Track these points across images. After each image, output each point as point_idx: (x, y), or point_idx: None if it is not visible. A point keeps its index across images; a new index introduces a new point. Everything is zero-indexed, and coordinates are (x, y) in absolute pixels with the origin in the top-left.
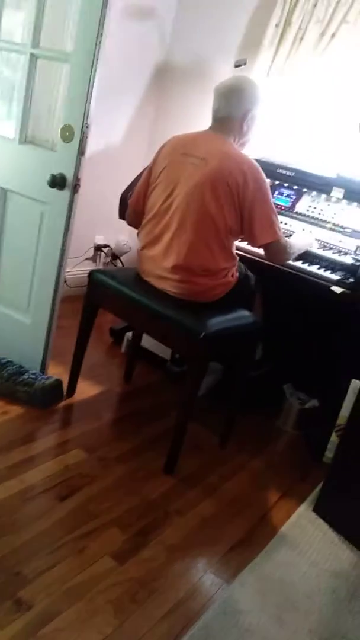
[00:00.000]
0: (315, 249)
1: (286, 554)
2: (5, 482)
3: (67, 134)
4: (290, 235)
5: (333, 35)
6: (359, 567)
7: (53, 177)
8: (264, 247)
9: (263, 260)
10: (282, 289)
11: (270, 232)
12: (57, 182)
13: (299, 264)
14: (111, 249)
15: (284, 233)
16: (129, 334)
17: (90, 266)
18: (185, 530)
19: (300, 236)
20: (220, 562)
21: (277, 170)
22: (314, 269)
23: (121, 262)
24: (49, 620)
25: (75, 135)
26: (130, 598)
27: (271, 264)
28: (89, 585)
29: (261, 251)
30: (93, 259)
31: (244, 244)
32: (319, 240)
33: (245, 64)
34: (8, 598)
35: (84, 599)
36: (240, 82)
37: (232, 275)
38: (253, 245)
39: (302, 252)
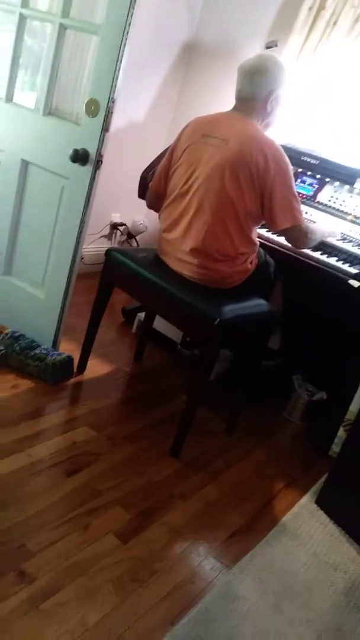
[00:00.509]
0: (334, 241)
1: (286, 544)
2: (13, 456)
3: (92, 108)
4: (314, 222)
5: None
6: (357, 562)
7: (75, 151)
8: (284, 232)
9: (283, 250)
10: (299, 279)
11: (291, 216)
12: (80, 157)
13: (317, 254)
14: (127, 227)
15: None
16: (141, 315)
17: (105, 244)
18: (188, 513)
19: (324, 224)
20: (221, 547)
21: (301, 158)
22: (332, 260)
23: (136, 241)
24: (51, 594)
25: (101, 110)
26: (131, 577)
27: (290, 253)
28: (92, 562)
29: (282, 240)
30: (108, 236)
31: (265, 231)
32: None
33: (276, 45)
34: (12, 570)
35: (85, 575)
36: (264, 60)
37: (251, 263)
38: (273, 230)
39: (324, 239)
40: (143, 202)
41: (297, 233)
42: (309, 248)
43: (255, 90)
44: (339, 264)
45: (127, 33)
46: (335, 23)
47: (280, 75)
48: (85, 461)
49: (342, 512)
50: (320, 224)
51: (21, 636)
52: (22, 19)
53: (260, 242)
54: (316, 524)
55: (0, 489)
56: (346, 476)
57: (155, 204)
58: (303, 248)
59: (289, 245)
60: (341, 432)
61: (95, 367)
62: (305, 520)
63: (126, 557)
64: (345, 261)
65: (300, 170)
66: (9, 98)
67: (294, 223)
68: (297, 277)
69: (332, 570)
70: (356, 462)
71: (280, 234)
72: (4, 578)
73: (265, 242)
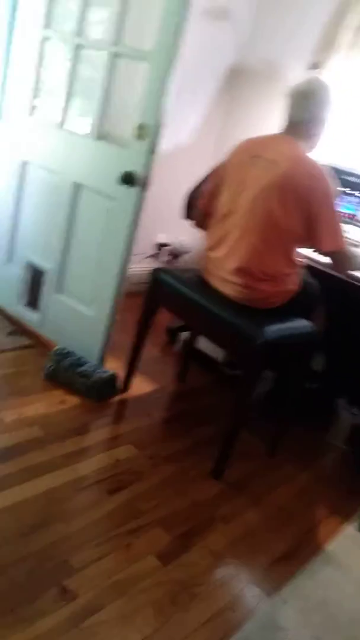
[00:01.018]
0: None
1: (330, 574)
2: (59, 470)
3: (141, 132)
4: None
5: None
6: None
7: (124, 174)
8: (329, 254)
9: (328, 270)
10: (344, 299)
11: (335, 241)
12: (128, 179)
13: None
14: (172, 247)
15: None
16: (185, 334)
17: (150, 264)
18: (230, 537)
19: None
20: (263, 574)
21: (342, 177)
22: None
23: (181, 261)
24: (92, 612)
25: (149, 134)
26: (171, 600)
27: (334, 273)
28: (132, 582)
29: (326, 259)
30: (154, 256)
31: (310, 251)
32: None
33: (318, 67)
34: (55, 585)
35: (126, 595)
36: (313, 85)
37: (294, 283)
38: (319, 253)
39: None
40: (188, 223)
41: (341, 257)
42: (352, 271)
43: (304, 114)
44: None
45: (175, 59)
46: None
47: (328, 99)
48: (128, 480)
49: None
50: None
51: None
52: (78, 48)
53: (304, 262)
54: None
55: (47, 503)
56: None
57: (202, 223)
58: (346, 272)
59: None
60: None
61: (139, 385)
62: (349, 549)
63: (166, 579)
64: None
65: (342, 189)
66: (64, 124)
67: (338, 247)
68: (341, 297)
69: None
70: None
71: (325, 255)
72: (47, 594)
73: (310, 263)
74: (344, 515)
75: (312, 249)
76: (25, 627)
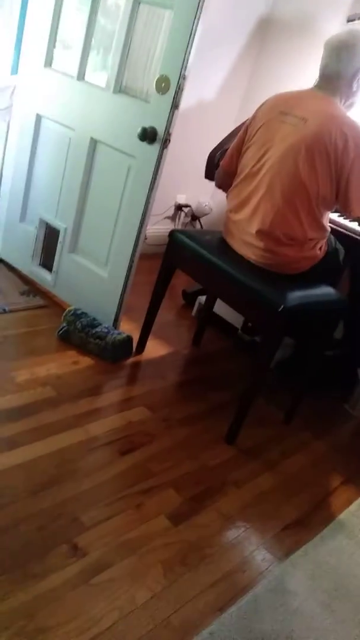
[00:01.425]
0: None
1: (342, 542)
2: (71, 430)
3: (162, 85)
4: None
5: None
6: None
7: (144, 129)
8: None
9: (355, 236)
10: None
11: None
12: (148, 135)
13: None
14: (192, 209)
15: None
16: (202, 298)
17: (169, 225)
18: (242, 501)
19: None
20: (273, 539)
21: None
22: None
23: (200, 223)
24: (102, 569)
25: (171, 87)
26: (181, 560)
27: None
28: (143, 542)
29: (354, 225)
30: (172, 217)
31: (337, 216)
32: None
33: (359, 18)
34: (66, 542)
35: (136, 554)
36: (353, 36)
37: (320, 249)
38: (347, 217)
39: None
40: (208, 184)
41: None
42: None
43: (341, 68)
44: None
45: (202, 7)
46: None
47: None
48: (140, 441)
49: None
50: None
51: (72, 609)
52: None
53: (331, 227)
54: None
55: (58, 462)
56: None
57: (225, 183)
58: None
59: None
60: None
61: (154, 348)
62: None
63: (177, 539)
64: None
65: None
66: (81, 76)
67: None
68: None
69: None
70: None
71: (355, 220)
72: (58, 550)
73: (337, 228)
74: (359, 485)
75: (341, 214)
76: (35, 582)
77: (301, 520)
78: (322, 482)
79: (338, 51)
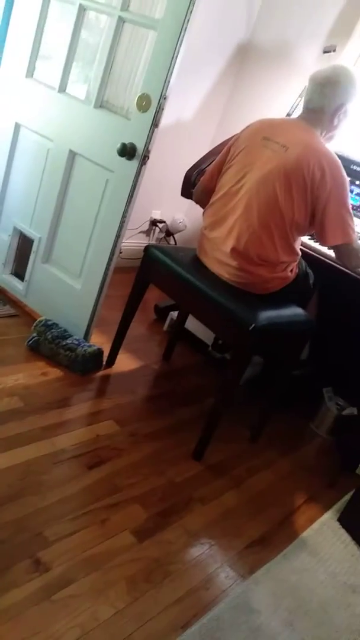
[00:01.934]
0: None
1: (305, 560)
2: (37, 442)
3: (143, 103)
4: None
5: None
6: None
7: (124, 145)
8: (334, 248)
9: (326, 260)
10: (339, 291)
11: (343, 234)
12: (127, 151)
13: None
14: (166, 225)
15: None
16: (174, 313)
17: (143, 239)
18: (207, 518)
19: None
20: (237, 556)
21: (351, 167)
22: None
23: (174, 239)
24: (64, 585)
25: (152, 106)
26: (145, 577)
27: (332, 264)
28: (107, 558)
29: (324, 249)
30: (147, 232)
31: (306, 239)
32: None
33: (334, 50)
34: (28, 557)
35: (100, 570)
36: (336, 73)
37: (292, 271)
38: (323, 245)
39: None
40: (184, 201)
41: (348, 251)
42: (358, 268)
43: (325, 102)
44: None
45: (185, 30)
46: None
47: (352, 89)
48: (107, 455)
49: None
50: None
51: (33, 625)
52: (81, 10)
53: (302, 250)
54: (337, 542)
55: (23, 475)
56: None
57: (203, 199)
58: (352, 268)
59: (333, 256)
60: None
61: (124, 362)
62: (325, 538)
63: (141, 556)
64: None
65: (349, 179)
66: (62, 88)
67: (345, 240)
68: (336, 288)
69: (350, 592)
70: None
71: (331, 249)
72: (20, 565)
73: (308, 251)
74: (322, 504)
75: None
76: None
77: (265, 538)
78: (286, 500)
79: (322, 87)
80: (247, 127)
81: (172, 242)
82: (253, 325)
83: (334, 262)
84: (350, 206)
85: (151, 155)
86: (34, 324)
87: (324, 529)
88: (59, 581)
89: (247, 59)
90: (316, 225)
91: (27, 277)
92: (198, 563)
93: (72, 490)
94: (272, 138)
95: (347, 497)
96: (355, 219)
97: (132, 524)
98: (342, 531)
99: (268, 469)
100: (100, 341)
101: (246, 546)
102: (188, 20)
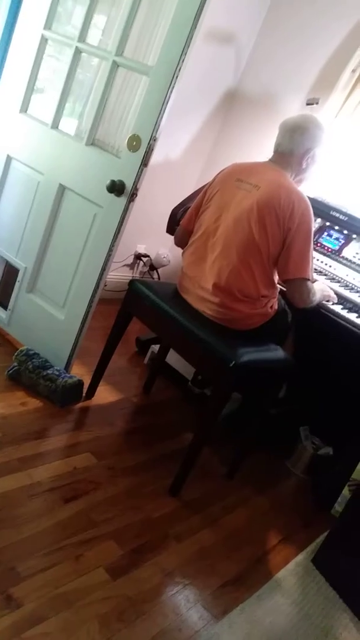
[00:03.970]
0: (349, 293)
1: (279, 601)
2: (13, 474)
3: (134, 143)
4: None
5: None
6: (349, 630)
7: (113, 182)
8: (291, 282)
9: (292, 302)
10: (316, 330)
11: (302, 269)
12: (116, 188)
13: (338, 309)
14: (150, 259)
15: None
16: (155, 347)
17: (127, 272)
18: (182, 556)
19: (321, 287)
20: (211, 596)
21: (330, 212)
22: (352, 316)
23: (158, 274)
24: (36, 623)
25: (142, 146)
26: (117, 616)
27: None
28: (79, 595)
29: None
30: (131, 266)
31: None
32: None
33: (317, 103)
34: (0, 592)
35: (72, 607)
36: (306, 120)
37: (271, 307)
38: (281, 278)
39: (322, 302)
40: (168, 237)
41: (304, 287)
42: (306, 307)
43: (294, 147)
44: (359, 320)
45: (177, 77)
46: None
47: (320, 136)
48: (84, 489)
49: (339, 575)
50: (320, 285)
51: None
52: (77, 52)
53: (281, 289)
54: (311, 583)
55: None
56: (347, 538)
57: (183, 241)
58: (303, 304)
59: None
60: (345, 492)
61: (104, 394)
62: (300, 579)
63: (114, 594)
64: None
65: (327, 224)
66: (55, 125)
67: (304, 276)
68: (312, 327)
69: (322, 636)
70: (358, 524)
71: (285, 283)
72: None
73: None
74: (298, 544)
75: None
76: None
77: (240, 578)
78: (261, 539)
79: (291, 132)
80: (221, 171)
81: (155, 276)
82: (233, 362)
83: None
84: (312, 246)
85: (139, 192)
86: (15, 354)
87: (298, 570)
88: (30, 618)
89: (234, 105)
90: (280, 257)
91: (10, 305)
92: (172, 602)
93: (47, 524)
94: (244, 180)
95: (321, 538)
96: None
97: (107, 560)
98: (316, 572)
99: (244, 506)
100: (81, 372)
101: (220, 585)
102: (180, 69)
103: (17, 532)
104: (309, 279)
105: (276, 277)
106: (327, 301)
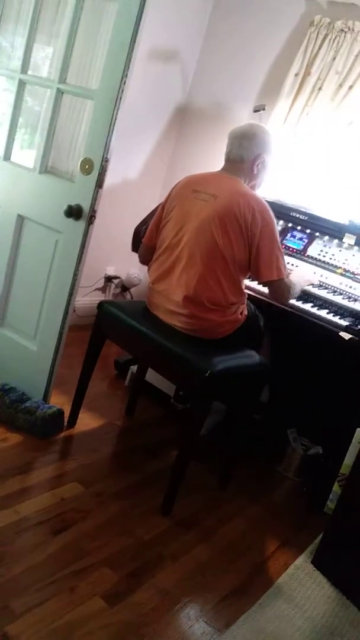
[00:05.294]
0: (317, 290)
1: (281, 607)
2: None
3: (86, 166)
4: (290, 272)
5: (351, 87)
6: (356, 625)
7: (70, 207)
8: (268, 284)
9: (271, 301)
10: (290, 331)
11: (276, 270)
12: (74, 212)
13: (308, 307)
14: (121, 280)
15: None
16: (134, 367)
17: (99, 296)
18: (179, 575)
19: (299, 273)
20: (213, 610)
21: (290, 214)
22: (323, 313)
23: (130, 294)
24: None
25: (95, 169)
26: None
27: (280, 305)
28: (77, 626)
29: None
30: (103, 289)
31: (254, 284)
32: (329, 285)
33: (264, 109)
34: None
35: (71, 639)
36: (253, 127)
37: (241, 313)
38: (258, 282)
39: (304, 289)
40: (137, 256)
41: (281, 286)
42: (289, 301)
43: (244, 153)
44: (330, 317)
45: (120, 99)
46: (320, 88)
47: (268, 141)
48: (73, 519)
49: (340, 572)
50: (298, 272)
51: None
52: (22, 83)
53: (249, 294)
54: (312, 585)
55: None
56: (342, 534)
57: (147, 258)
58: (284, 302)
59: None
60: (336, 488)
61: (86, 421)
62: (301, 582)
63: (113, 621)
64: (335, 313)
65: (290, 225)
66: (7, 156)
67: (278, 276)
68: (286, 329)
69: (328, 635)
70: (351, 518)
71: (264, 285)
72: None
73: (256, 295)
74: (296, 547)
75: (253, 279)
76: None
77: (240, 589)
78: (259, 547)
79: (240, 140)
80: (176, 184)
81: (128, 297)
82: (209, 371)
83: (282, 303)
84: (279, 244)
85: (101, 214)
86: None
87: (298, 573)
88: None
89: (185, 119)
90: (251, 263)
91: None
92: (173, 622)
93: (37, 558)
94: (201, 190)
95: (319, 539)
96: (292, 259)
97: (102, 588)
98: (317, 573)
99: (238, 516)
100: (61, 402)
101: (221, 599)
102: (122, 90)
103: (8, 569)
104: (283, 277)
105: (243, 284)
106: (310, 285)
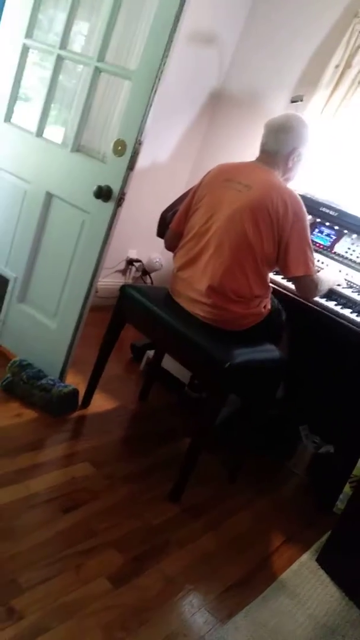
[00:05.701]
0: (342, 289)
1: (284, 602)
2: (11, 486)
3: (119, 148)
4: (319, 270)
5: None
6: (356, 627)
7: (100, 188)
8: (295, 279)
9: (295, 297)
10: (310, 327)
11: (304, 266)
12: (103, 193)
13: (331, 305)
14: (142, 264)
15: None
16: (150, 353)
17: (120, 279)
18: (184, 562)
19: (328, 272)
20: (216, 600)
21: (320, 208)
22: (346, 312)
23: (150, 278)
24: (38, 634)
25: (127, 151)
26: (120, 625)
27: (303, 301)
28: (82, 605)
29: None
30: (123, 272)
31: (279, 278)
32: (354, 284)
33: (301, 100)
34: (1, 605)
35: (74, 617)
36: (290, 119)
37: (265, 307)
38: (285, 277)
39: (331, 287)
40: (159, 241)
41: (308, 283)
42: (315, 298)
43: (279, 147)
44: (353, 316)
45: (159, 80)
46: None
47: (305, 135)
48: (83, 499)
49: (344, 573)
50: (327, 271)
51: None
52: (60, 59)
53: (274, 287)
54: (316, 583)
55: None
56: (350, 536)
57: (173, 244)
58: (311, 298)
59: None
60: (347, 489)
61: (100, 402)
62: (305, 579)
63: (117, 602)
64: (359, 313)
65: (318, 220)
66: (40, 133)
67: (306, 272)
68: (307, 324)
69: (329, 634)
70: None
71: (291, 281)
72: None
73: (279, 288)
74: (301, 544)
75: (280, 274)
76: None
77: (244, 581)
78: (265, 541)
79: (276, 132)
80: (208, 172)
81: (148, 281)
82: (228, 363)
83: (306, 299)
84: (310, 240)
85: (127, 196)
86: (8, 365)
87: (302, 570)
88: (33, 630)
89: (219, 106)
90: (280, 257)
91: (1, 316)
92: (175, 609)
93: (46, 535)
94: (234, 179)
95: (325, 537)
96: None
97: (108, 569)
98: (321, 571)
99: (246, 509)
100: (76, 381)
101: (225, 589)
102: (162, 72)
103: (17, 544)
104: (311, 274)
105: (269, 278)
106: (338, 285)
